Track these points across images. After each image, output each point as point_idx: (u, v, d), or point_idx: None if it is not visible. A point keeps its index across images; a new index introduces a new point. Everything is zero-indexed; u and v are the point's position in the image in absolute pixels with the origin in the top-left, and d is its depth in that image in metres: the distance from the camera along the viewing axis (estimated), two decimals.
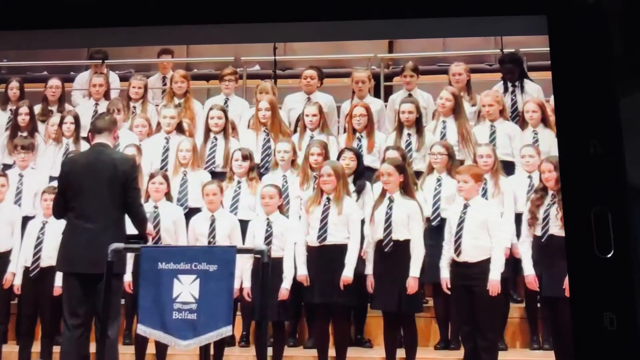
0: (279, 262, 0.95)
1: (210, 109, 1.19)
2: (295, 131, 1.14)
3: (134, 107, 1.25)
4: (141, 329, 0.85)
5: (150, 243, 1.15)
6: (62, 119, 1.32)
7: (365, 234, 0.98)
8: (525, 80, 1.18)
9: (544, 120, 1.11)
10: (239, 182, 1.05)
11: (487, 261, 0.82)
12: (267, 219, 0.98)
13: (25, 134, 1.32)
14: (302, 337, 0.96)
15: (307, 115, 1.12)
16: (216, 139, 1.13)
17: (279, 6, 0.77)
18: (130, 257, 1.11)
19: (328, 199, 0.92)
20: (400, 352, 0.82)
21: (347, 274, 0.89)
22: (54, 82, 1.27)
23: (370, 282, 0.88)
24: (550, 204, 0.83)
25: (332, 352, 0.82)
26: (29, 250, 1.30)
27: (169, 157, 1.23)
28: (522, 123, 1.19)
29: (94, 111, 1.23)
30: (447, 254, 0.97)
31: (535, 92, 1.13)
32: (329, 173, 0.95)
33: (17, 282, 1.27)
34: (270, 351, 0.99)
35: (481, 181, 0.93)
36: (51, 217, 1.22)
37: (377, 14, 0.75)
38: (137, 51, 1.20)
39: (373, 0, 0.76)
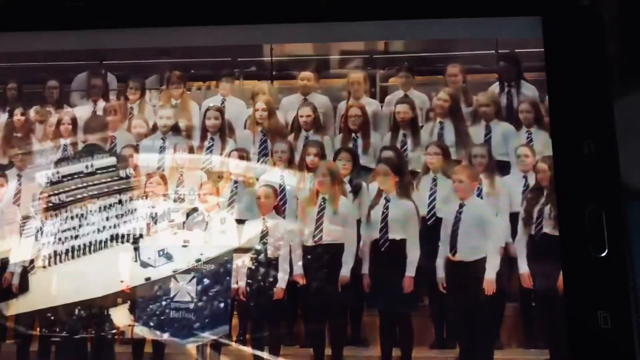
0: (274, 261, 0.96)
1: (207, 109, 1.19)
2: (291, 132, 1.14)
3: (132, 108, 1.25)
4: (138, 328, 0.85)
5: None
6: (60, 120, 1.32)
7: (361, 233, 0.99)
8: (522, 81, 1.19)
9: (538, 121, 1.11)
10: (235, 182, 1.05)
11: (482, 260, 0.83)
12: (263, 218, 0.99)
13: (20, 134, 1.32)
14: (298, 335, 0.96)
15: (301, 116, 1.11)
16: (213, 139, 1.13)
17: (276, 7, 0.77)
18: None
19: (324, 199, 0.92)
20: (396, 351, 0.82)
21: (344, 273, 0.89)
22: (52, 83, 1.27)
23: (366, 282, 0.88)
24: (544, 203, 0.83)
25: (327, 350, 0.82)
26: (27, 251, 1.30)
27: (165, 157, 1.23)
28: (517, 123, 1.19)
29: (92, 112, 1.23)
30: (443, 253, 0.97)
31: (531, 93, 1.13)
32: (324, 173, 0.95)
33: (15, 281, 1.26)
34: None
35: (477, 181, 0.94)
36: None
37: (372, 16, 0.76)
38: (133, 53, 1.21)
39: (368, 2, 0.76)
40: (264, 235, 0.91)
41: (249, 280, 0.82)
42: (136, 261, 0.92)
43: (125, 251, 0.94)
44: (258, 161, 0.97)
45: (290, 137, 0.99)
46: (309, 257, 0.88)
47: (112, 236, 1.05)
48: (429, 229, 0.87)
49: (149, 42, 0.79)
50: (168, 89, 0.91)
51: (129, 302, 0.85)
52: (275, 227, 0.94)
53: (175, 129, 1.02)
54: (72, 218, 1.05)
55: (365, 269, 0.89)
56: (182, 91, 0.98)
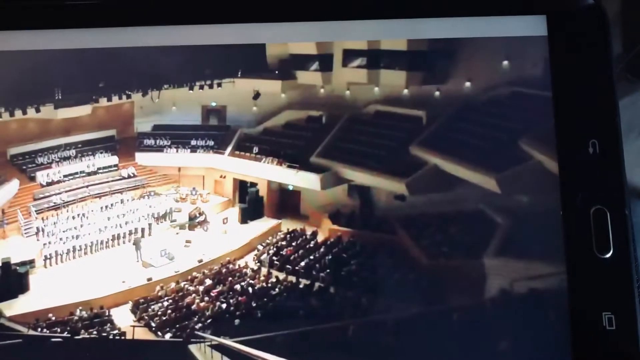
0: None
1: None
2: None
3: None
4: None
5: None
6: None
7: None
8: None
9: None
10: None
11: None
12: None
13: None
14: None
15: None
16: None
17: (273, 6, 0.77)
18: None
19: None
20: None
21: None
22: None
23: None
24: None
25: None
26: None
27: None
28: None
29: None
30: None
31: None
32: None
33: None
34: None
35: None
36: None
37: (371, 14, 0.75)
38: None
39: (369, 1, 0.76)
40: None
41: None
42: (137, 261, 0.92)
43: (126, 251, 0.94)
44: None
45: None
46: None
47: (113, 236, 1.05)
48: None
49: (153, 41, 0.78)
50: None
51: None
52: None
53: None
54: (73, 218, 1.05)
55: None
56: None
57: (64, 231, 1.01)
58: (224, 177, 1.04)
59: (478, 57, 0.76)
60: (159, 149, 1.05)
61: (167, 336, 0.80)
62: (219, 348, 0.75)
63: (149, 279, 0.88)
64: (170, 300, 0.86)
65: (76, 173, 1.04)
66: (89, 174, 1.05)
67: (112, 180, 1.07)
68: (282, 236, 0.91)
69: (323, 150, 0.87)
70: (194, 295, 0.87)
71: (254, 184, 0.99)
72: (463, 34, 0.75)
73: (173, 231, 0.99)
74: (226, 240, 0.93)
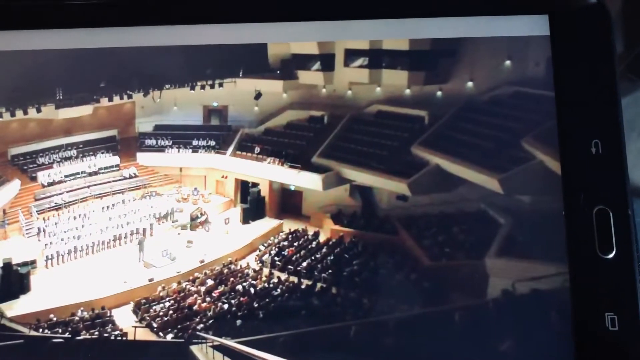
0: None
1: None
2: None
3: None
4: None
5: None
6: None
7: None
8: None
9: None
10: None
11: None
12: None
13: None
14: None
15: None
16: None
17: (274, 6, 0.77)
18: None
19: None
20: None
21: None
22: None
23: None
24: None
25: None
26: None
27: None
28: None
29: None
30: None
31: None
32: None
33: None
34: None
35: None
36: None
37: (373, 14, 0.75)
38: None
39: (372, 0, 0.76)
40: None
41: None
42: (139, 262, 0.92)
43: (128, 252, 0.94)
44: None
45: None
46: None
47: (115, 236, 1.05)
48: None
49: (154, 40, 0.78)
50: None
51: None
52: None
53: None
54: (74, 218, 1.04)
55: None
56: None
57: (65, 231, 1.01)
58: (226, 177, 1.04)
59: (480, 57, 0.76)
60: (161, 149, 1.05)
61: (169, 337, 0.80)
62: (221, 349, 0.75)
63: (151, 280, 0.88)
64: (171, 301, 0.86)
65: (77, 173, 1.04)
66: (90, 174, 1.05)
67: (114, 181, 1.07)
68: (283, 236, 0.91)
69: (325, 150, 0.87)
70: (195, 295, 0.87)
71: (255, 184, 0.99)
72: (465, 34, 0.75)
73: (175, 231, 0.99)
74: (228, 240, 0.93)
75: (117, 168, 1.05)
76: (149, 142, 1.05)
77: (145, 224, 1.02)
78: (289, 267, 0.88)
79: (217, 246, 0.91)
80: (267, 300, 0.80)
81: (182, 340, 0.78)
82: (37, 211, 1.00)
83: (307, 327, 0.74)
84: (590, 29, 0.70)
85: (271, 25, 0.77)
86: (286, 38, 0.78)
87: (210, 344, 0.76)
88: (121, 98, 0.91)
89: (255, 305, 0.79)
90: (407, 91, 0.80)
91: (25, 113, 0.88)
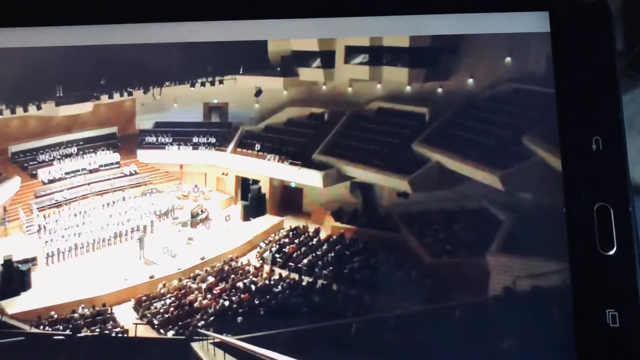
0: None
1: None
2: None
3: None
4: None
5: None
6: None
7: None
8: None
9: None
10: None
11: None
12: None
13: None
14: None
15: None
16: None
17: (274, 3, 0.77)
18: None
19: None
20: None
21: None
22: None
23: None
24: None
25: None
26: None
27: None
28: None
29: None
30: None
31: None
32: None
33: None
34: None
35: None
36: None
37: (373, 11, 0.75)
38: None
39: None
40: None
41: None
42: (140, 259, 0.92)
43: (128, 249, 0.94)
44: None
45: None
46: None
47: (115, 234, 1.04)
48: None
49: (155, 38, 0.78)
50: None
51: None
52: None
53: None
54: (74, 215, 1.04)
55: None
56: None
57: (65, 229, 1.01)
58: (226, 174, 1.03)
59: (481, 54, 0.76)
60: (161, 146, 1.05)
61: (170, 334, 0.80)
62: (222, 346, 0.75)
63: (152, 277, 0.88)
64: (172, 298, 0.86)
65: (78, 170, 1.04)
66: (90, 172, 1.05)
67: (114, 178, 1.07)
68: (284, 233, 0.91)
69: (325, 147, 0.86)
70: (196, 292, 0.87)
71: (256, 181, 0.99)
72: (466, 31, 0.75)
73: (175, 229, 0.99)
74: (228, 237, 0.93)
75: (118, 165, 1.04)
76: (149, 139, 1.05)
77: (146, 221, 1.02)
78: (290, 264, 0.87)
79: (217, 243, 0.91)
80: (268, 297, 0.80)
81: (183, 337, 0.78)
82: (37, 208, 0.99)
83: (308, 324, 0.74)
84: (591, 26, 0.70)
85: (271, 22, 0.77)
86: (286, 35, 0.78)
87: (212, 341, 0.76)
88: (121, 95, 0.91)
89: (256, 302, 0.79)
90: (408, 88, 0.80)
91: (26, 110, 0.88)
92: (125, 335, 0.80)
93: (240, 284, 0.85)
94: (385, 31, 0.77)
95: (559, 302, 0.67)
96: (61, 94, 0.85)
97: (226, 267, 0.87)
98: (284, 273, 0.86)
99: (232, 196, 1.02)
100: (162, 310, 0.85)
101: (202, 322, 0.79)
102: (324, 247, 0.86)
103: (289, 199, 0.93)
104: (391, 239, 0.76)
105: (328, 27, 0.77)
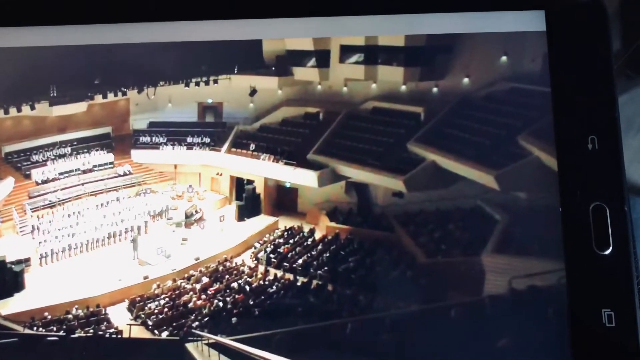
0: None
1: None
2: None
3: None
4: None
5: None
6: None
7: None
8: None
9: None
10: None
11: None
12: None
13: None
14: None
15: None
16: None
17: (269, 2, 0.76)
18: None
19: None
20: None
21: None
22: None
23: None
24: None
25: None
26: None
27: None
28: None
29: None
30: None
31: None
32: None
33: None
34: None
35: None
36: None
37: (368, 10, 0.75)
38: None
39: None
40: None
41: None
42: (134, 259, 0.91)
43: (122, 249, 0.93)
44: None
45: None
46: None
47: (109, 234, 1.04)
48: None
49: (149, 37, 0.77)
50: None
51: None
52: None
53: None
54: (68, 215, 1.04)
55: None
56: None
57: (59, 229, 1.00)
58: (221, 174, 1.03)
59: (476, 53, 0.75)
60: (155, 146, 1.04)
61: (164, 334, 0.80)
62: (216, 346, 0.75)
63: (146, 277, 0.87)
64: (166, 299, 0.86)
65: (71, 171, 1.03)
66: (84, 172, 1.05)
67: (108, 178, 1.07)
68: (279, 234, 0.90)
69: (320, 147, 0.86)
70: (190, 293, 0.86)
71: (250, 181, 0.98)
72: (461, 30, 0.74)
73: (169, 229, 0.98)
74: (223, 238, 0.92)
75: (112, 165, 1.04)
76: (143, 139, 1.04)
77: (140, 221, 1.01)
78: (285, 264, 0.87)
79: (212, 243, 0.91)
80: (263, 297, 0.80)
81: (178, 337, 0.78)
82: (31, 209, 0.99)
83: (303, 324, 0.73)
84: (586, 25, 0.69)
85: (266, 21, 0.77)
86: (281, 34, 0.78)
87: (206, 341, 0.75)
88: (115, 95, 0.90)
89: (251, 302, 0.79)
90: (403, 87, 0.79)
91: (19, 110, 0.87)
92: (119, 336, 0.80)
93: (234, 285, 0.85)
94: (381, 30, 0.76)
95: (554, 302, 0.67)
96: (55, 94, 0.85)
97: (221, 268, 0.87)
98: (279, 273, 0.86)
99: (226, 196, 1.02)
100: (156, 311, 0.85)
101: (197, 323, 0.79)
102: (319, 247, 0.85)
103: (283, 199, 0.93)
104: (386, 239, 0.76)
105: (323, 26, 0.76)
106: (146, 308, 0.85)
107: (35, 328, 0.80)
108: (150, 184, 1.05)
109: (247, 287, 0.83)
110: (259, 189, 0.96)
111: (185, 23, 0.77)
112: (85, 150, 1.01)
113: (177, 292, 0.86)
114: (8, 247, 0.86)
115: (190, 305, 0.84)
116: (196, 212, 1.00)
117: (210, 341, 0.75)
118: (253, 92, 0.87)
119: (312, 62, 0.82)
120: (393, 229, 0.76)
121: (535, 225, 0.70)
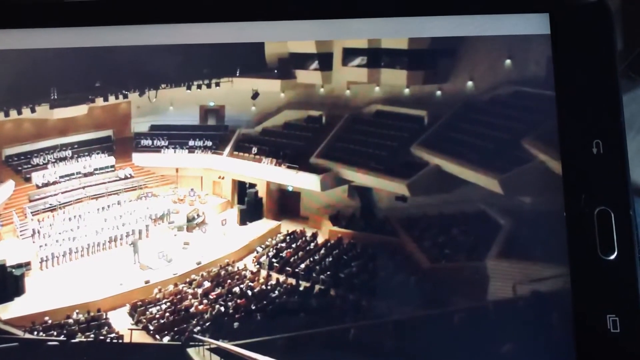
0: None
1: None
2: None
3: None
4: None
5: None
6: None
7: None
8: None
9: None
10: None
11: None
12: None
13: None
14: None
15: None
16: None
17: (272, 4, 0.76)
18: None
19: None
20: None
21: None
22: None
23: None
24: None
25: None
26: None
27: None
28: None
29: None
30: None
31: None
32: None
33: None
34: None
35: None
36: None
37: (372, 12, 0.75)
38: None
39: None
40: None
41: None
42: (135, 263, 0.91)
43: (123, 253, 0.93)
44: None
45: None
46: None
47: (110, 238, 1.04)
48: None
49: (150, 39, 0.77)
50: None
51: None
52: None
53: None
54: (69, 219, 1.04)
55: None
56: None
57: (60, 233, 1.00)
58: (223, 178, 1.03)
59: (480, 56, 0.75)
60: (156, 149, 1.04)
61: (165, 339, 0.80)
62: (218, 351, 0.75)
63: (147, 282, 0.87)
64: (168, 303, 0.85)
65: (72, 174, 1.03)
66: (85, 175, 1.04)
67: (109, 181, 1.07)
68: (281, 238, 0.90)
69: (323, 150, 0.86)
70: (192, 297, 0.86)
71: (253, 185, 0.98)
72: (465, 33, 0.74)
73: (171, 233, 0.98)
74: (225, 242, 0.92)
75: (113, 169, 1.04)
76: (144, 142, 1.04)
77: (141, 225, 1.01)
78: (287, 268, 0.87)
79: (214, 248, 0.91)
80: (265, 302, 0.79)
81: (179, 342, 0.77)
82: (31, 212, 0.99)
83: (306, 329, 0.73)
84: (591, 28, 0.69)
85: (269, 24, 0.76)
86: (284, 37, 0.78)
87: (208, 346, 0.75)
88: (117, 98, 0.90)
89: (253, 307, 0.79)
90: (406, 91, 0.79)
91: (20, 113, 0.87)
92: (121, 340, 0.79)
93: (236, 289, 0.84)
94: (384, 33, 0.76)
95: (559, 307, 0.66)
96: (56, 97, 0.85)
97: (222, 272, 0.87)
98: (281, 278, 0.86)
99: (228, 200, 1.02)
100: (157, 316, 0.84)
101: (198, 328, 0.78)
102: (322, 251, 0.85)
103: (286, 203, 0.92)
104: (389, 243, 0.76)
105: (326, 29, 0.76)
106: (147, 313, 0.85)
107: (35, 333, 0.79)
108: (152, 188, 1.05)
109: (249, 292, 0.83)
110: (261, 192, 0.96)
111: (187, 25, 0.77)
112: (86, 154, 1.01)
113: (178, 296, 0.86)
114: (8, 250, 0.86)
115: (192, 309, 0.83)
116: (198, 216, 1.00)
117: (212, 346, 0.75)
118: (255, 95, 0.87)
119: (315, 65, 0.82)
120: (396, 234, 0.76)
121: (539, 230, 0.70)
